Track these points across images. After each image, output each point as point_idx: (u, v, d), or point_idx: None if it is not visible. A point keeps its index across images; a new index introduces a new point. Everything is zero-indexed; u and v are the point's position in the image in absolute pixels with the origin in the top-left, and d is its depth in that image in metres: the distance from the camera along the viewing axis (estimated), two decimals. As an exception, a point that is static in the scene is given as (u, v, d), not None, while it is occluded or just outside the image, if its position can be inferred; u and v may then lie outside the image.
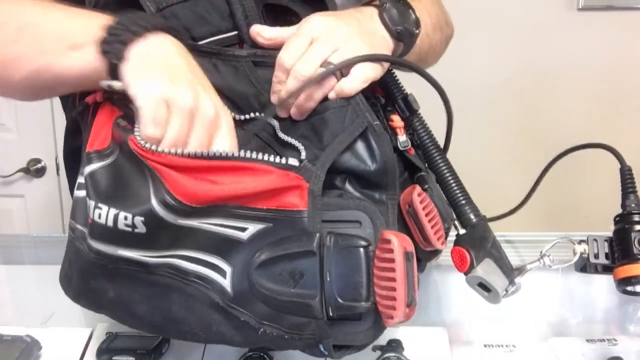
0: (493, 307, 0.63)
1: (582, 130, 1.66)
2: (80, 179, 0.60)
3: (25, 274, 0.95)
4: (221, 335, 0.57)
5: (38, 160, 1.71)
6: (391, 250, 0.51)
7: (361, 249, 0.52)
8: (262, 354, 0.73)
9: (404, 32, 0.62)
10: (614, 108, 1.67)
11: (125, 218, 0.54)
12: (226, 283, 0.55)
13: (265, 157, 0.53)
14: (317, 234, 0.52)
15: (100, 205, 0.55)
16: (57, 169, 1.71)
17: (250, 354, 0.73)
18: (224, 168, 0.53)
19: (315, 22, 0.58)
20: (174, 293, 0.57)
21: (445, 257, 0.65)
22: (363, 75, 0.57)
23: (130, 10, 0.59)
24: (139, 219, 0.53)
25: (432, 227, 0.58)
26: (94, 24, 0.54)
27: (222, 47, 0.59)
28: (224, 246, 0.54)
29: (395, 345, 0.75)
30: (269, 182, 0.52)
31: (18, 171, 1.70)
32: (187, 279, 0.56)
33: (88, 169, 0.57)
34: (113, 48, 0.53)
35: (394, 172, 0.56)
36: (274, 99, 0.57)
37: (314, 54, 0.56)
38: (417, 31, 0.63)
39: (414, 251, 0.53)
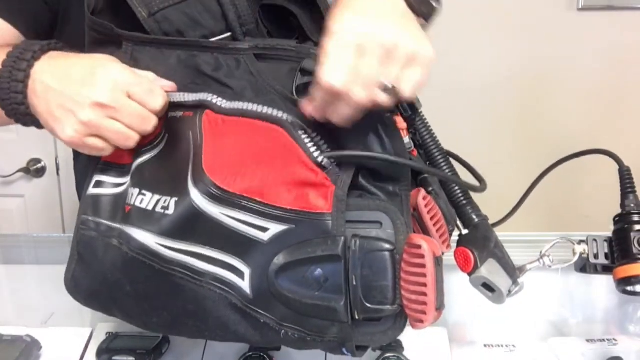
0: (493, 307, 0.63)
1: (582, 130, 1.66)
2: (99, 177, 0.62)
3: (25, 274, 0.95)
4: (240, 335, 0.58)
5: (38, 160, 1.71)
6: (422, 256, 0.51)
7: (387, 253, 0.52)
8: (262, 354, 0.73)
9: (427, 13, 0.57)
10: (613, 108, 1.67)
11: (165, 201, 0.56)
12: (245, 285, 0.55)
13: (307, 142, 0.53)
14: (342, 238, 0.52)
15: (144, 192, 0.58)
16: (57, 169, 1.71)
17: (250, 353, 0.73)
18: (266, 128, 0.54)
19: (352, 26, 0.50)
20: (187, 293, 0.57)
21: (445, 256, 0.65)
22: (415, 83, 0.52)
23: (123, 16, 0.60)
24: (173, 200, 0.56)
25: (437, 230, 0.58)
26: None
27: (224, 41, 0.59)
28: (243, 246, 0.55)
29: (395, 345, 0.75)
30: (298, 173, 0.53)
31: (18, 171, 1.70)
32: (202, 281, 0.56)
33: (137, 162, 0.60)
34: (14, 110, 0.57)
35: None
36: (310, 111, 0.53)
37: (369, 72, 0.49)
38: (438, 6, 0.58)
39: (442, 255, 0.53)
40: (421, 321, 0.52)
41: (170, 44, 0.59)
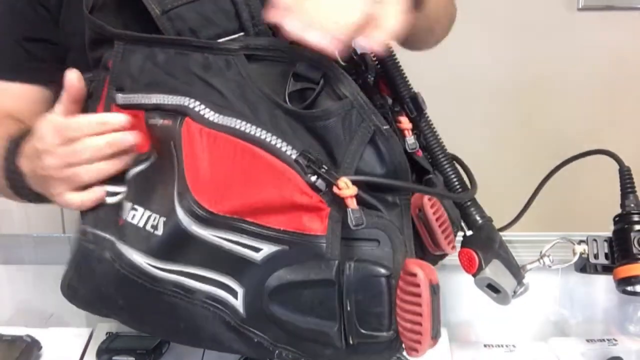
0: (493, 307, 0.63)
1: (582, 130, 1.66)
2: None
3: (25, 274, 0.95)
4: (235, 350, 0.57)
5: (38, 160, 1.71)
6: (417, 285, 0.49)
7: (383, 279, 0.51)
8: (262, 354, 0.73)
9: None
10: (613, 108, 1.67)
11: (155, 219, 0.55)
12: (238, 304, 0.54)
13: (303, 164, 0.51)
14: (336, 262, 0.51)
15: (136, 206, 0.57)
16: (57, 169, 1.71)
17: (250, 354, 0.73)
18: (255, 155, 0.52)
19: None
20: (180, 311, 0.56)
21: (448, 257, 0.65)
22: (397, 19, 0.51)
23: (128, 12, 0.59)
24: (162, 220, 0.54)
25: (442, 231, 0.57)
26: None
27: (215, 41, 0.58)
28: (236, 266, 0.53)
29: (395, 345, 0.75)
30: (291, 196, 0.51)
31: (18, 171, 1.70)
32: (195, 299, 0.55)
33: (131, 172, 0.59)
34: (21, 193, 0.65)
35: (406, 174, 0.54)
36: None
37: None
38: None
39: (438, 283, 0.51)
40: (416, 350, 0.51)
41: (161, 42, 0.58)
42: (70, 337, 0.80)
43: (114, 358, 0.73)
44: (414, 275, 0.49)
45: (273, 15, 0.51)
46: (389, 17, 0.50)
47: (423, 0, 0.61)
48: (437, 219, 0.57)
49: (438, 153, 0.63)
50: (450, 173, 0.63)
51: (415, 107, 0.61)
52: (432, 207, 0.56)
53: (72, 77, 0.61)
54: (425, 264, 0.51)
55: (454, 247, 0.60)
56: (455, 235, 0.61)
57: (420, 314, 0.49)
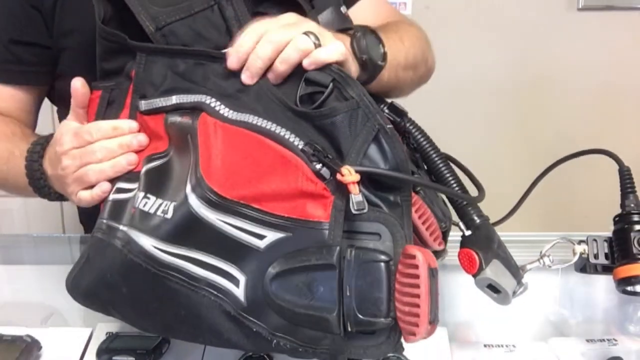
0: (493, 307, 0.63)
1: (581, 130, 1.66)
2: (120, 184, 0.63)
3: (25, 274, 0.95)
4: (233, 343, 0.58)
5: (38, 160, 1.71)
6: (416, 266, 0.50)
7: (382, 264, 0.52)
8: (262, 353, 0.73)
9: (368, 62, 0.64)
10: (613, 108, 1.68)
11: (166, 205, 0.57)
12: (239, 292, 0.55)
13: (309, 153, 0.53)
14: (338, 247, 0.52)
15: (149, 195, 0.59)
16: (57, 169, 1.71)
17: (251, 353, 0.73)
18: (262, 144, 0.54)
19: (288, 16, 0.60)
20: (181, 298, 0.57)
21: (446, 257, 0.65)
22: (339, 47, 0.57)
23: (130, 25, 0.61)
24: (172, 204, 0.56)
25: (426, 229, 0.58)
26: (20, 174, 0.72)
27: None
28: (239, 253, 0.55)
29: (395, 345, 0.75)
30: (297, 182, 0.53)
31: (18, 171, 1.70)
32: (196, 286, 0.56)
33: (145, 167, 0.62)
34: (42, 192, 0.72)
35: (408, 172, 0.55)
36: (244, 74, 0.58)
37: (291, 28, 0.57)
38: (382, 64, 0.66)
39: (437, 267, 0.52)
40: (413, 334, 0.51)
41: (182, 53, 0.61)
42: (70, 337, 0.79)
43: (114, 358, 0.73)
44: (413, 257, 0.50)
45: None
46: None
47: (374, 79, 0.67)
48: (419, 217, 0.58)
49: (430, 152, 0.64)
50: (445, 170, 0.63)
51: (395, 113, 0.63)
52: (413, 204, 0.57)
53: (77, 84, 0.65)
54: (424, 249, 0.52)
55: (441, 243, 0.60)
56: (446, 232, 0.62)
57: (418, 296, 0.50)
